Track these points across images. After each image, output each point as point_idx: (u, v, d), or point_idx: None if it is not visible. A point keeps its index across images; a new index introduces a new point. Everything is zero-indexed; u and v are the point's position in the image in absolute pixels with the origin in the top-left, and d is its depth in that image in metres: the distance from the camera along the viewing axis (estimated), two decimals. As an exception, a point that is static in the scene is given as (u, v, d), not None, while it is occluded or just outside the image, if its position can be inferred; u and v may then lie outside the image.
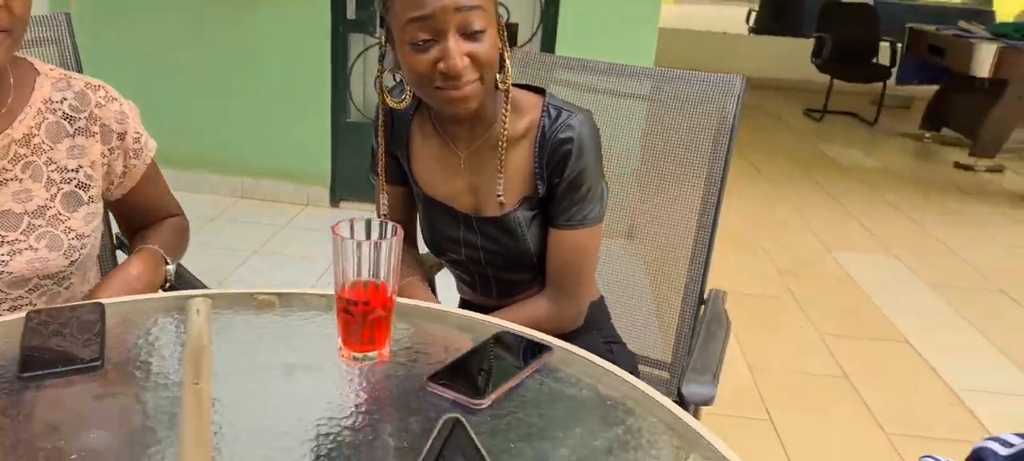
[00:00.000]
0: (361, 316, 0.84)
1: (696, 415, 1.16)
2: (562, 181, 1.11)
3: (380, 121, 1.22)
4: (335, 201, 3.72)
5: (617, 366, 1.21)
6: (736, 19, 10.27)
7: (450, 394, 0.80)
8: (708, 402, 1.06)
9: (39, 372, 0.79)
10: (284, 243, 3.24)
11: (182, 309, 0.97)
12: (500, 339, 0.92)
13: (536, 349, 0.89)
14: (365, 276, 0.84)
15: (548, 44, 3.33)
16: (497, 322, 0.99)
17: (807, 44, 6.78)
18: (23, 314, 0.88)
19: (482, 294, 1.29)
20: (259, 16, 3.41)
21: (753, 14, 9.35)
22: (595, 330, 1.25)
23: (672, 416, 0.79)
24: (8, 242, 1.02)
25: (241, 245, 3.15)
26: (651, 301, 1.50)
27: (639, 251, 1.54)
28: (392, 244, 0.84)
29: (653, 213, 1.50)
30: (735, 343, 2.64)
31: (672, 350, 1.44)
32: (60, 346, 0.83)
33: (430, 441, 0.41)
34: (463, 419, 0.42)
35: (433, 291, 1.41)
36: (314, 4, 3.36)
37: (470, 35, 1.01)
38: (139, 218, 1.26)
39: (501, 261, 1.20)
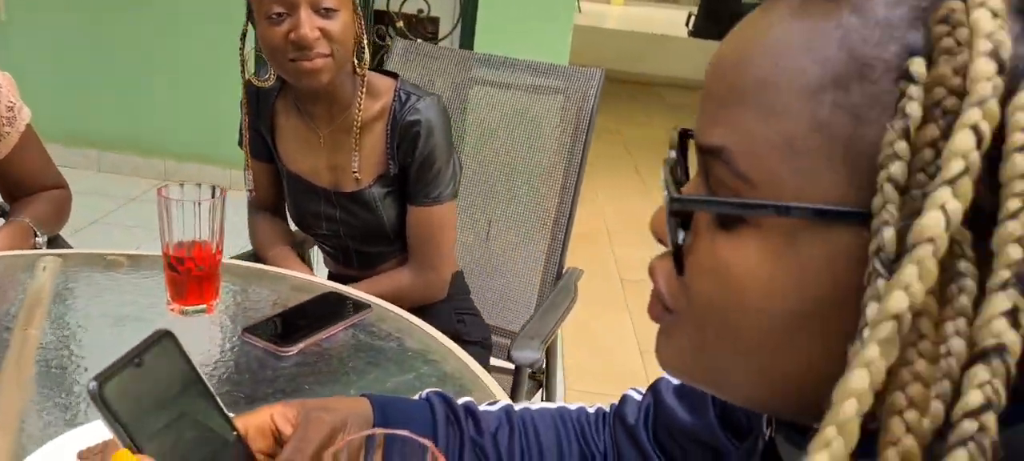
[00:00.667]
0: (186, 273, 0.92)
1: (556, 393, 1.25)
2: (414, 161, 1.20)
3: (244, 98, 1.29)
4: (258, 185, 3.74)
5: (466, 335, 1.32)
6: (678, 22, 10.51)
7: (260, 343, 0.88)
8: (532, 364, 1.15)
9: None
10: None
11: (34, 267, 1.03)
12: (323, 298, 1.00)
13: (355, 306, 0.98)
14: (190, 236, 0.92)
15: (467, 40, 3.42)
16: (333, 286, 1.07)
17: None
18: None
19: (345, 266, 1.37)
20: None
21: (692, 18, 9.59)
22: (447, 302, 1.34)
23: (463, 365, 0.89)
24: None
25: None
26: (515, 278, 1.60)
27: (507, 233, 1.63)
28: (215, 205, 0.92)
29: (519, 197, 1.60)
30: (631, 328, 2.77)
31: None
32: None
33: (132, 347, 0.48)
34: (172, 333, 0.50)
35: (308, 265, 1.50)
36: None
37: (322, 11, 1.09)
38: (17, 187, 1.30)
39: (360, 234, 1.28)
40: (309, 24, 1.08)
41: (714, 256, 0.36)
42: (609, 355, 2.59)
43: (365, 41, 1.17)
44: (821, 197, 0.33)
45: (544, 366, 1.51)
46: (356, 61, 1.18)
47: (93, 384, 0.44)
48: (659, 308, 0.41)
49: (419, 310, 1.12)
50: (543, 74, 1.57)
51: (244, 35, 1.21)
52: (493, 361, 1.43)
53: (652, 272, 0.41)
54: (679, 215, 0.37)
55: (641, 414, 0.66)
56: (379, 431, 0.49)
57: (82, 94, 3.60)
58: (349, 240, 1.30)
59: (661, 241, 0.41)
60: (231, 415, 0.52)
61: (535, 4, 3.30)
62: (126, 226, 3.10)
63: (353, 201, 1.25)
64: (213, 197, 0.93)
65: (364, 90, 1.19)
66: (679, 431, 0.62)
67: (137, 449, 0.45)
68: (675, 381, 0.66)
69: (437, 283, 1.29)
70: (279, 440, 0.55)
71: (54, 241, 1.30)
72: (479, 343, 1.35)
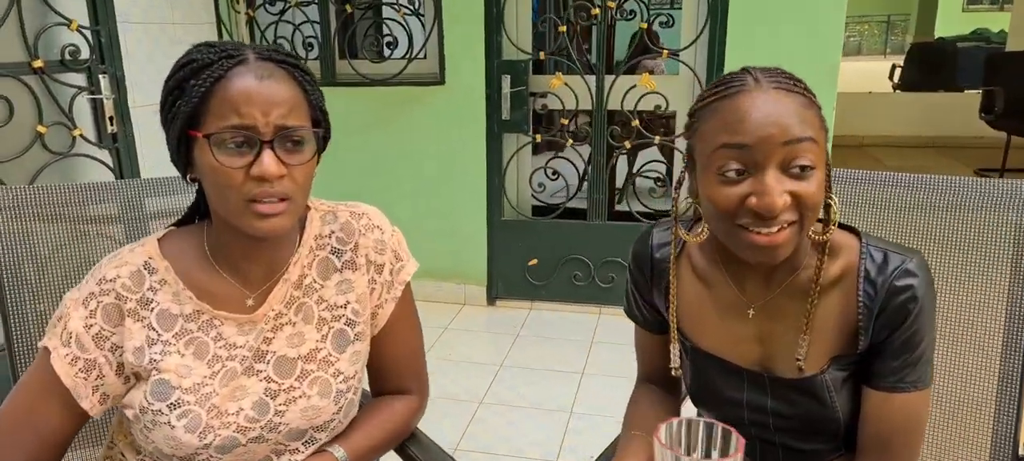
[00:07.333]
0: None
1: None
2: (895, 338, 0.93)
3: (631, 260, 1.10)
4: (491, 300, 3.65)
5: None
6: (880, 76, 9.71)
7: None
8: None
9: None
10: (448, 347, 3.18)
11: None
12: None
13: None
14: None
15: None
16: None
17: (964, 98, 6.24)
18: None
19: (761, 462, 1.10)
20: (417, 117, 3.46)
21: (897, 70, 8.79)
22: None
23: None
24: (284, 390, 0.97)
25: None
26: None
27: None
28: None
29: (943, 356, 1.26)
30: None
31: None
32: None
33: None
34: None
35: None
36: (470, 105, 3.37)
37: (795, 172, 0.86)
38: (378, 377, 1.14)
39: (797, 427, 1.01)
40: (778, 190, 0.85)
41: None
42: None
43: (833, 198, 0.93)
44: None
45: None
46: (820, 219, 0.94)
47: None
48: None
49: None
50: (943, 191, 1.26)
51: (680, 183, 1.01)
52: None
53: None
54: None
55: None
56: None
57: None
58: (778, 434, 1.03)
59: None
60: None
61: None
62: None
63: (797, 389, 0.98)
64: (717, 447, 0.70)
65: (826, 255, 0.94)
66: None
67: None
68: None
69: None
70: None
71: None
72: None
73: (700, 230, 1.00)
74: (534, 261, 3.52)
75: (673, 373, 1.07)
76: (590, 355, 3.06)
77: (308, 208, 1.05)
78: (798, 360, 0.96)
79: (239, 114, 0.86)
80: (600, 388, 2.80)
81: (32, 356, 1.21)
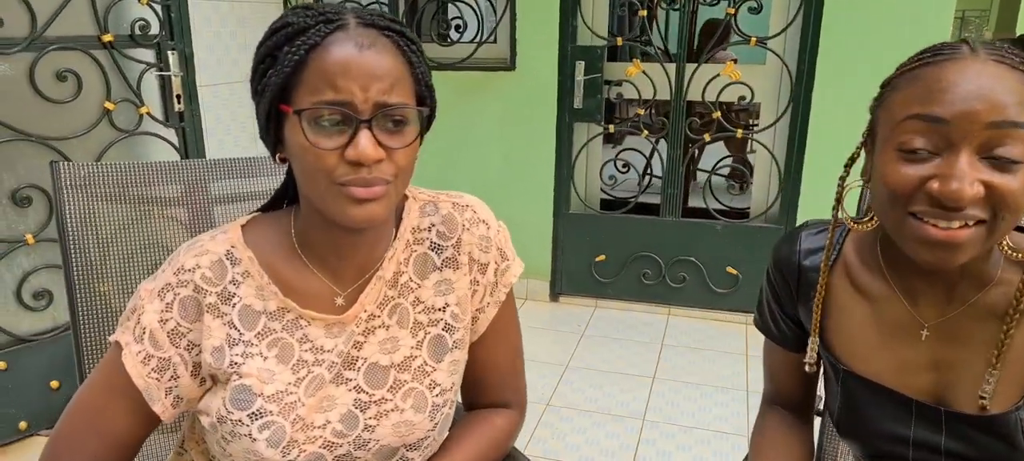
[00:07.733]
0: None
1: None
2: None
3: (772, 262, 0.94)
4: (555, 296, 3.51)
5: None
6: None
7: None
8: None
9: None
10: (510, 345, 3.06)
11: None
12: None
13: None
14: None
15: (797, 131, 2.96)
16: None
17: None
18: None
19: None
20: (484, 103, 3.34)
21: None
22: None
23: None
24: (375, 402, 0.85)
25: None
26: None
27: None
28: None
29: None
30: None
31: None
32: None
33: None
34: None
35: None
36: (540, 92, 3.23)
37: (996, 161, 0.70)
38: (473, 388, 1.01)
39: None
40: (969, 177, 0.70)
41: None
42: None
43: None
44: None
45: None
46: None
47: None
48: None
49: None
50: None
51: (852, 161, 0.86)
52: None
53: None
54: None
55: None
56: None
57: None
58: (948, 480, 0.88)
59: None
60: None
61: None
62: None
63: (980, 428, 0.83)
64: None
65: None
66: None
67: None
68: None
69: None
70: None
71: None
72: None
73: (867, 217, 0.84)
74: (602, 257, 3.37)
75: (807, 369, 0.93)
76: (660, 359, 2.90)
77: (406, 197, 0.93)
78: (982, 398, 0.80)
79: (335, 88, 0.74)
80: (673, 395, 2.65)
81: (95, 336, 1.14)
